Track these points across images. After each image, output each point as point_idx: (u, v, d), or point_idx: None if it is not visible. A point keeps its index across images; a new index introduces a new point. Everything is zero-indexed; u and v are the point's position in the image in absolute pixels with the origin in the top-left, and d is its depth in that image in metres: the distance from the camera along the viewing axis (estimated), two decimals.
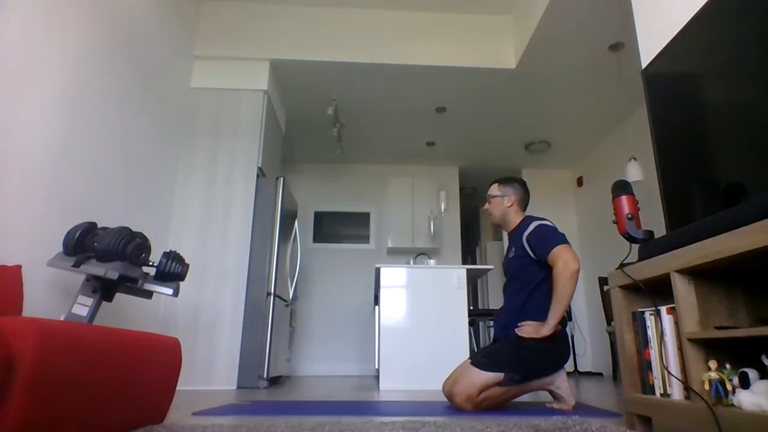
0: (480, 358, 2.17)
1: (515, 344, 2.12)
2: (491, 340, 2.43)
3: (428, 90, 4.67)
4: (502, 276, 2.48)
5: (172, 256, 2.21)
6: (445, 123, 5.34)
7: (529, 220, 2.32)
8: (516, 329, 2.13)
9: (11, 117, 2.05)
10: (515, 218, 2.40)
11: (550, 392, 2.20)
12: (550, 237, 2.17)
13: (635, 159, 3.79)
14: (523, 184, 2.48)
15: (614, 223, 1.70)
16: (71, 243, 2.01)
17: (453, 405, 2.12)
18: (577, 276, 2.07)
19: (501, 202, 2.44)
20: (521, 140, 5.77)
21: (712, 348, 1.25)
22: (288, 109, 5.05)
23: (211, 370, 3.48)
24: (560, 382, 2.16)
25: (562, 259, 2.08)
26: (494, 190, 2.48)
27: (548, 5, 3.52)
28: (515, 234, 2.35)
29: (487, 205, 2.51)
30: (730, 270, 1.27)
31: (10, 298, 1.75)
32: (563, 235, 2.19)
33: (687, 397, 1.30)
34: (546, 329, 2.06)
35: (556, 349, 2.15)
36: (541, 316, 2.11)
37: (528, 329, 2.10)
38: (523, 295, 2.22)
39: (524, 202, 2.44)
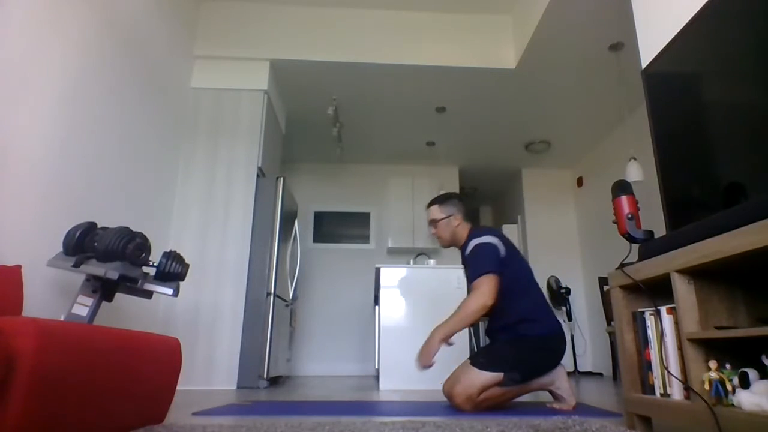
0: (479, 358, 2.17)
1: (512, 343, 2.14)
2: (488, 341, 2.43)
3: (428, 90, 4.67)
4: None
5: (172, 256, 2.21)
6: (445, 123, 5.34)
7: (470, 236, 2.30)
8: (419, 365, 2.08)
9: (11, 117, 2.05)
10: (463, 234, 2.37)
11: (551, 392, 2.21)
12: (481, 262, 2.16)
13: (635, 159, 3.79)
14: (460, 197, 2.46)
15: (614, 223, 1.70)
16: (71, 243, 2.01)
17: (453, 405, 2.12)
18: (484, 311, 2.09)
19: (448, 223, 2.39)
20: (521, 140, 5.77)
21: (712, 348, 1.25)
22: (288, 109, 5.05)
23: (211, 370, 3.48)
24: (560, 382, 2.16)
25: (480, 289, 2.09)
26: (436, 213, 2.42)
27: (548, 5, 3.52)
28: (463, 250, 2.33)
29: (433, 230, 2.43)
30: (730, 270, 1.27)
31: (10, 298, 1.75)
32: (495, 258, 2.17)
33: (687, 397, 1.30)
34: (433, 343, 2.04)
35: (553, 346, 2.16)
36: (522, 314, 2.14)
37: (423, 358, 2.05)
38: (499, 298, 2.20)
39: (465, 212, 2.42)
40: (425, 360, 2.05)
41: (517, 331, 2.15)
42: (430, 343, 2.06)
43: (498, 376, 2.06)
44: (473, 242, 2.24)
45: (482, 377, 2.06)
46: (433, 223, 2.43)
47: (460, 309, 2.10)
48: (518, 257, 2.31)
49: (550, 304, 2.29)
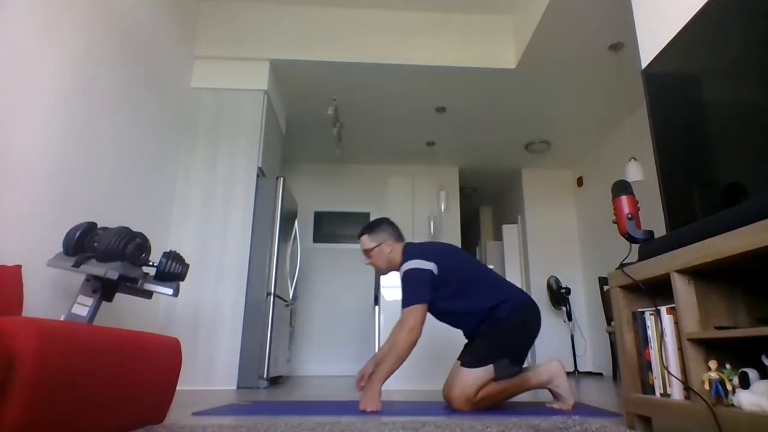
0: (465, 356, 2.18)
1: (490, 333, 2.15)
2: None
3: (428, 90, 4.67)
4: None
5: (172, 256, 2.21)
6: (445, 123, 5.34)
7: (403, 258, 2.26)
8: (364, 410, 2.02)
9: (11, 117, 2.05)
10: (397, 257, 2.32)
11: (551, 391, 2.20)
12: (408, 291, 2.14)
13: (635, 159, 3.79)
14: (389, 221, 2.41)
15: (614, 223, 1.70)
16: (71, 243, 2.01)
17: (452, 409, 2.11)
18: (415, 344, 2.06)
19: (381, 251, 2.33)
20: (521, 140, 5.76)
21: (712, 348, 1.25)
22: (288, 109, 5.05)
23: (211, 370, 3.48)
24: (560, 380, 2.16)
25: (408, 323, 2.07)
26: (367, 242, 2.35)
27: (548, 5, 3.52)
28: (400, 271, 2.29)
29: (367, 260, 2.37)
30: (730, 270, 1.27)
31: (10, 298, 1.75)
32: (424, 283, 2.14)
33: (687, 397, 1.30)
34: (376, 389, 2.03)
35: (525, 318, 2.17)
36: (488, 303, 2.15)
37: (369, 404, 2.01)
38: (457, 303, 2.21)
39: (398, 234, 2.38)
40: (371, 406, 2.00)
41: (490, 320, 2.16)
42: (373, 390, 2.03)
43: (489, 369, 2.06)
44: (402, 268, 2.22)
45: (474, 375, 2.06)
46: (366, 253, 2.37)
47: (393, 348, 2.06)
48: (461, 259, 2.31)
49: (508, 281, 2.29)
